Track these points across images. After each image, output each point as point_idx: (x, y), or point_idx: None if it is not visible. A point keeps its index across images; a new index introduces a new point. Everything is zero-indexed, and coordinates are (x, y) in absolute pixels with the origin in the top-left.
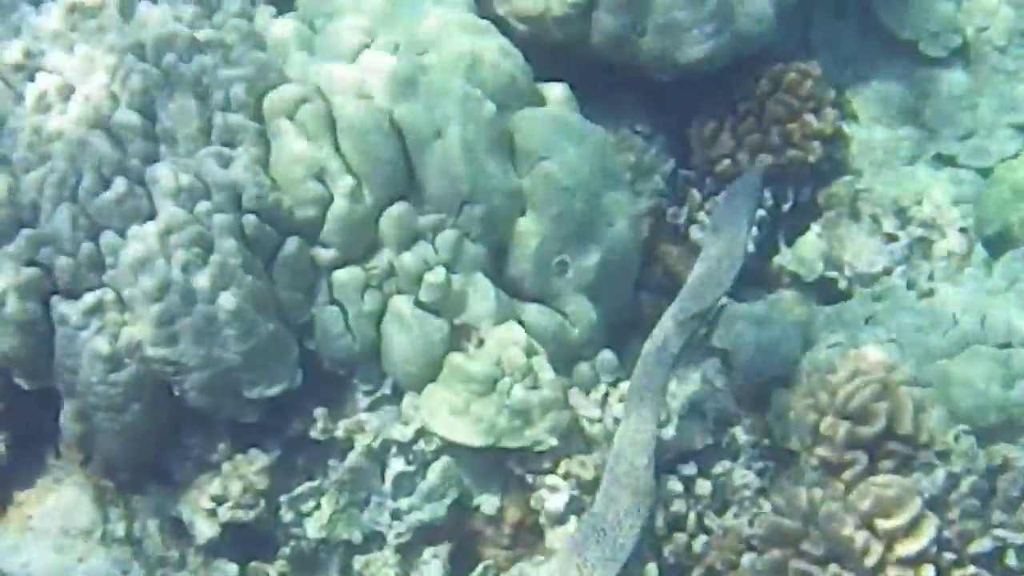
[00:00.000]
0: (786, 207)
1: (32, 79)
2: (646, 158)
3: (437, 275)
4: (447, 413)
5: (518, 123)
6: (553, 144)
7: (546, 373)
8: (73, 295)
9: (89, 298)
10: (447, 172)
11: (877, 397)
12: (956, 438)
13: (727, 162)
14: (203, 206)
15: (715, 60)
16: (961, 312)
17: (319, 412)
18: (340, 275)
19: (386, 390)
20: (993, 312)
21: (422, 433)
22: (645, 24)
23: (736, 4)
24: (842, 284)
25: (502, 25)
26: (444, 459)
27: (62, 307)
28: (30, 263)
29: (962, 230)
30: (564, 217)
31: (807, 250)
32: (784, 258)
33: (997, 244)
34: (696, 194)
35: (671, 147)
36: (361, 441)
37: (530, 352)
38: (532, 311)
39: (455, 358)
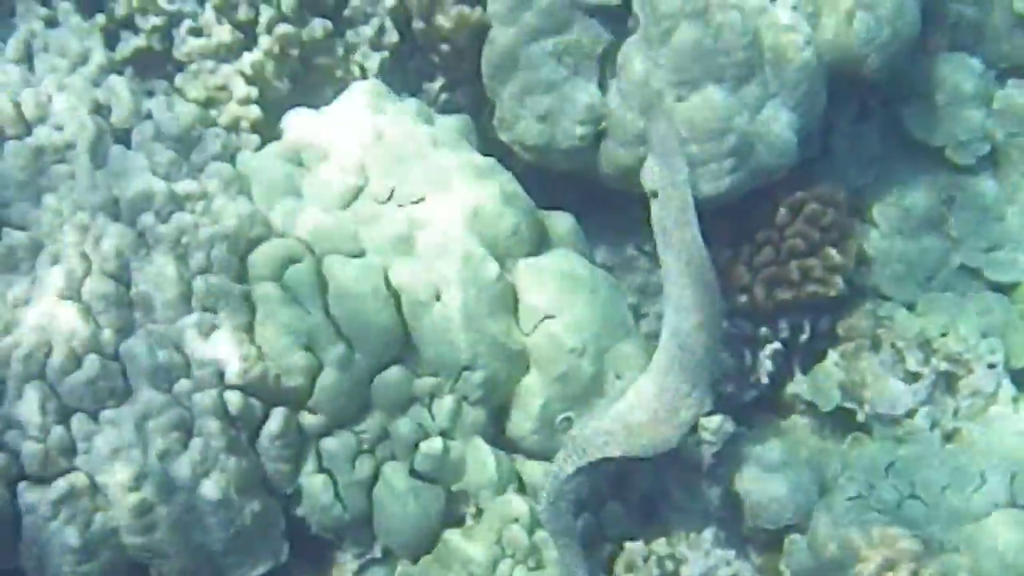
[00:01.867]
0: (803, 338)
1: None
2: (652, 280)
3: (434, 446)
4: None
5: (522, 277)
6: (559, 300)
7: (550, 552)
8: (42, 480)
9: (60, 485)
10: (446, 338)
11: None
12: None
13: (743, 298)
14: (183, 385)
15: (732, 195)
16: (989, 464)
17: None
18: (330, 443)
19: (376, 554)
20: (1022, 460)
21: None
22: None
23: (756, 137)
24: (860, 417)
25: (503, 149)
26: None
27: (29, 495)
28: None
29: (990, 366)
30: (570, 377)
31: (824, 379)
32: (799, 386)
33: None
34: None
35: None
36: None
37: (532, 528)
38: (534, 468)
39: (453, 538)
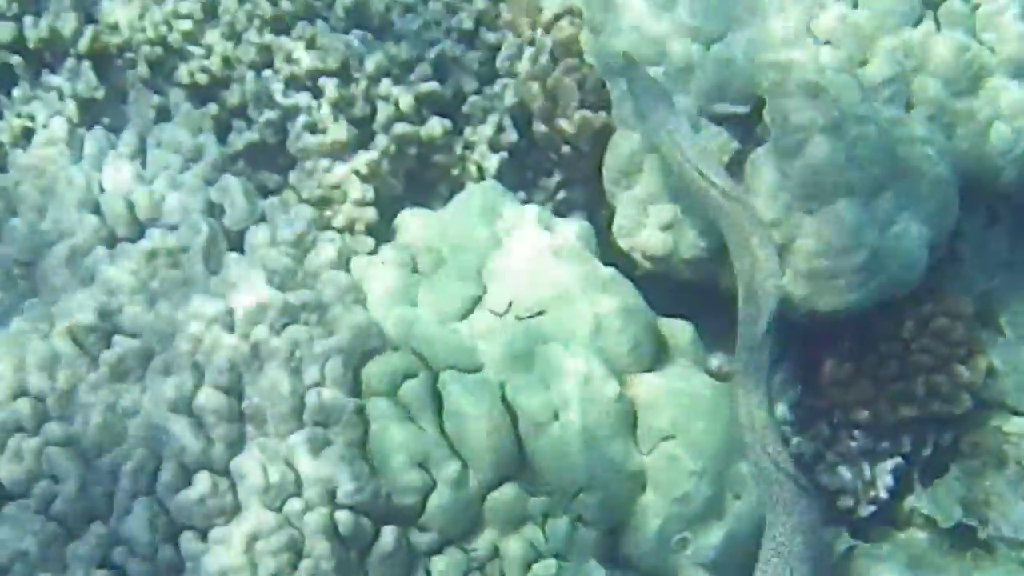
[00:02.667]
0: (925, 452)
1: (108, 344)
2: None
3: (547, 568)
4: None
5: (642, 393)
6: (679, 421)
7: None
8: None
9: None
10: (563, 459)
11: None
12: None
13: (865, 413)
14: (294, 505)
15: (858, 309)
16: None
17: None
18: (439, 563)
19: None
20: None
21: None
22: (785, 269)
23: (886, 252)
24: (982, 535)
25: (623, 257)
26: None
27: None
28: (102, 564)
29: None
30: (688, 499)
31: (945, 495)
32: (919, 501)
33: None
34: (826, 428)
35: (796, 372)
36: None
37: None
38: None
39: None
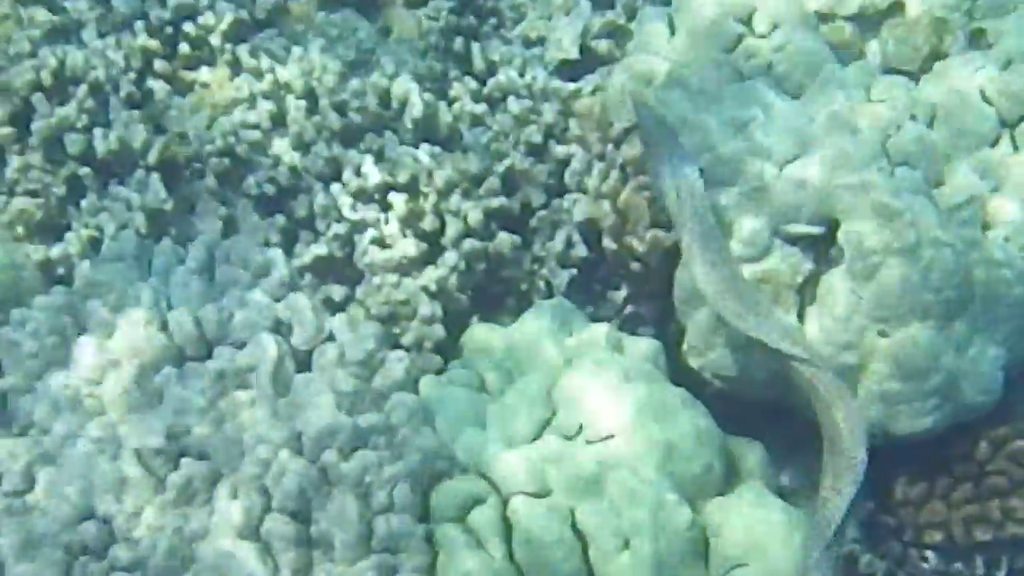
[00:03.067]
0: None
1: (176, 466)
2: None
3: None
4: None
5: (714, 521)
6: (752, 547)
7: None
8: None
9: None
10: None
11: None
12: None
13: (939, 536)
14: None
15: (932, 432)
16: None
17: None
18: None
19: None
20: None
21: None
22: (857, 389)
23: (961, 375)
24: None
25: (692, 376)
26: None
27: None
28: None
29: None
30: None
31: None
32: None
33: None
34: (898, 547)
35: (867, 488)
36: None
37: None
38: None
39: None
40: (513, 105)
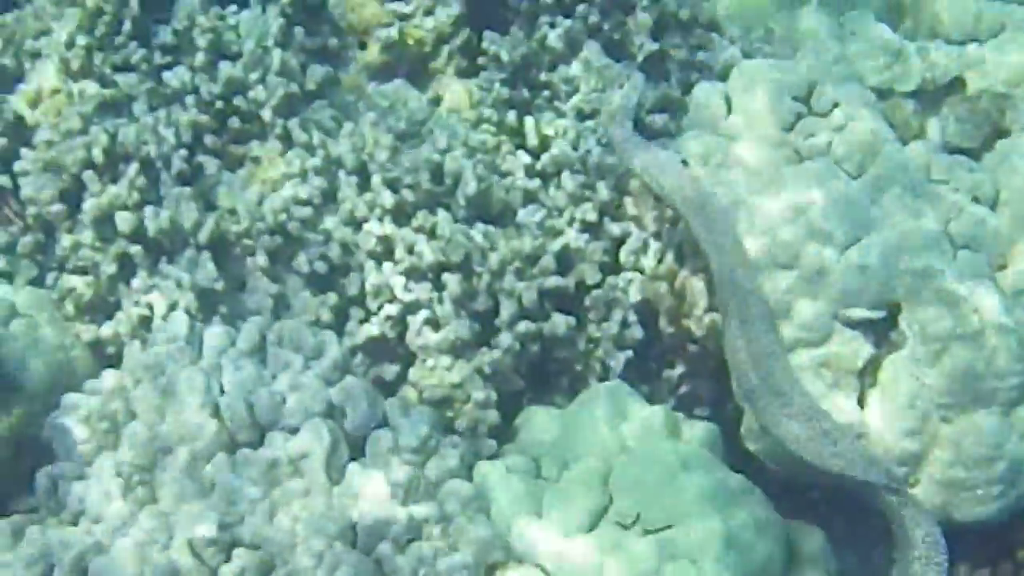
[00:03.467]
0: None
1: (228, 556)
2: None
3: None
4: None
5: None
6: None
7: None
8: None
9: None
10: None
11: None
12: None
13: None
14: None
15: (996, 519)
16: None
17: None
18: None
19: None
20: None
21: None
22: (919, 475)
23: None
24: None
25: (751, 458)
26: None
27: None
28: None
29: None
30: None
31: None
32: None
33: None
34: None
35: None
36: None
37: None
38: None
39: None
40: (567, 181)
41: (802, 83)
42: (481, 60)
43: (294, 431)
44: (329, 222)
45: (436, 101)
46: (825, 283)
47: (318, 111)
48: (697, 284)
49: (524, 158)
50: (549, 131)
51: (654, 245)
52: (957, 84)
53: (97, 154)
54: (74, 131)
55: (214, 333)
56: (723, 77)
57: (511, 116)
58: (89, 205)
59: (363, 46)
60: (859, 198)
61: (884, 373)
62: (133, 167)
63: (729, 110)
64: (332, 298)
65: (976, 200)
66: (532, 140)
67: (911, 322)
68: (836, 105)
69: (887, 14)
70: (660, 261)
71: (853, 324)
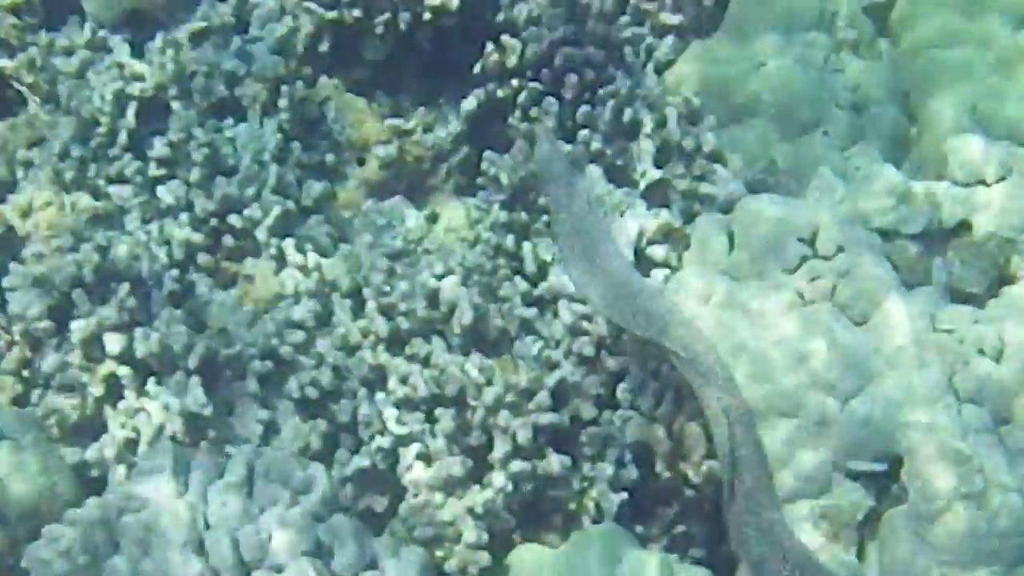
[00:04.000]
0: None
1: None
2: None
3: None
4: None
5: None
6: None
7: None
8: None
9: None
10: None
11: None
12: None
13: None
14: None
15: None
16: None
17: None
18: None
19: None
20: None
21: None
22: None
23: None
24: None
25: None
26: None
27: None
28: None
29: None
30: None
31: None
32: None
33: None
34: None
35: None
36: None
37: None
38: None
39: None
40: (565, 312)
41: (806, 224)
42: (480, 180)
43: (280, 570)
44: (321, 345)
45: (433, 218)
46: (826, 434)
47: (314, 227)
48: (695, 429)
49: (521, 284)
50: (547, 257)
51: (652, 385)
52: (963, 227)
53: (87, 273)
54: (65, 248)
55: (200, 464)
56: (725, 210)
57: (509, 240)
58: (77, 326)
59: (361, 162)
60: (863, 347)
61: (884, 527)
62: (124, 288)
63: (731, 246)
64: (322, 425)
65: (981, 352)
66: (530, 266)
67: (913, 477)
68: (840, 248)
69: (892, 146)
70: (659, 403)
71: (854, 476)
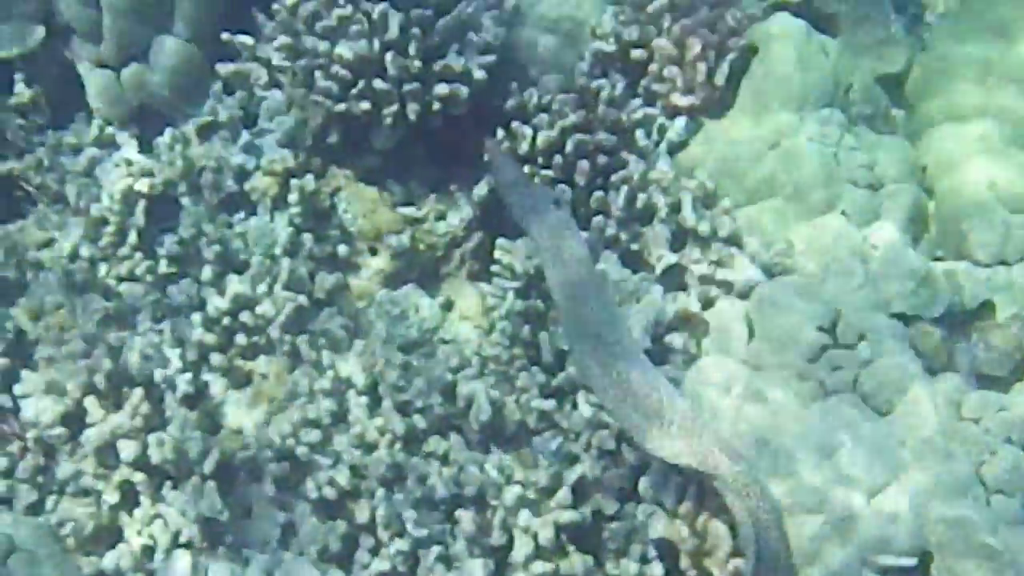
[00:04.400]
0: None
1: None
2: None
3: None
4: None
5: None
6: None
7: None
8: None
9: None
10: None
11: None
12: None
13: None
14: None
15: None
16: None
17: None
18: None
19: None
20: None
21: None
22: None
23: None
24: None
25: None
26: None
27: None
28: None
29: None
30: None
31: None
32: None
33: None
34: None
35: None
36: None
37: None
38: None
39: None
40: (584, 407)
41: (827, 312)
42: (494, 268)
43: None
44: (338, 443)
45: (448, 306)
46: (853, 530)
47: (327, 320)
48: (720, 527)
49: (539, 376)
50: (564, 347)
51: (675, 480)
52: (986, 308)
53: (99, 380)
54: (76, 353)
55: (218, 571)
56: (743, 295)
57: (525, 330)
58: (91, 434)
59: (374, 252)
60: (888, 439)
61: None
62: (137, 393)
63: (751, 334)
64: (341, 526)
65: (1009, 440)
66: (547, 356)
67: (943, 573)
68: (862, 337)
69: (910, 225)
70: (681, 500)
71: (883, 571)
